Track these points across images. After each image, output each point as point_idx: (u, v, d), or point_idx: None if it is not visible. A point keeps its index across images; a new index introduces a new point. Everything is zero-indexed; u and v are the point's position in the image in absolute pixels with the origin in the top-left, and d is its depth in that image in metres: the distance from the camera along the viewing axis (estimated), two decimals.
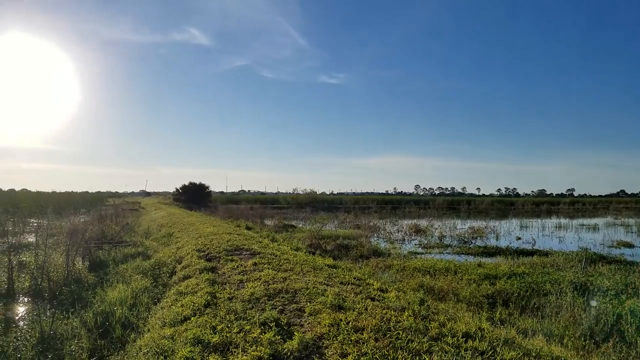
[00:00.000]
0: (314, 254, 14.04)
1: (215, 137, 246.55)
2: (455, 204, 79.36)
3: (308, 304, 5.71)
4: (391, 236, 24.19)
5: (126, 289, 7.79)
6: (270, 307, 5.66)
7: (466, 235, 24.98)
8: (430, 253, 18.13)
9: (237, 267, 8.54)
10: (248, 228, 21.22)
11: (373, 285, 7.46)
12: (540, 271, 12.98)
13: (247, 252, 10.33)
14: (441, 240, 22.54)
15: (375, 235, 24.62)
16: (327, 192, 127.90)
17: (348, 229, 27.68)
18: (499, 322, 7.78)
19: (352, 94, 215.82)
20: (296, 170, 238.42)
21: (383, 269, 13.39)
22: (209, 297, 6.31)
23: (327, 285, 6.96)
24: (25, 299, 7.71)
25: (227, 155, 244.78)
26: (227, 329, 4.92)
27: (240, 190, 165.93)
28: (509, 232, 29.64)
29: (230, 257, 9.63)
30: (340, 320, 4.90)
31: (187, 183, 64.94)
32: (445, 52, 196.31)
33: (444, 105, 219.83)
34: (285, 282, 6.93)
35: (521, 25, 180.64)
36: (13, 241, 15.58)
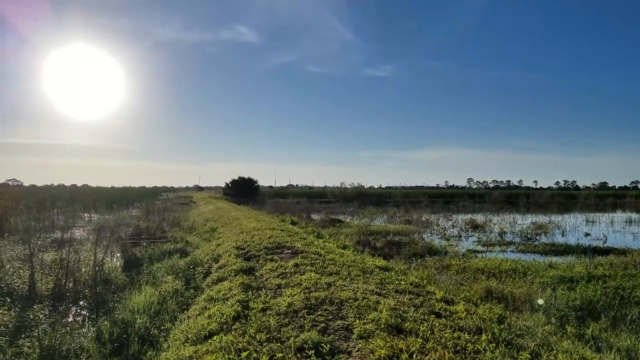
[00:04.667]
0: (362, 251, 12.88)
1: (265, 132, 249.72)
2: (512, 197, 75.05)
3: (357, 321, 4.58)
4: (446, 232, 22.48)
5: (153, 293, 6.99)
6: (310, 324, 4.58)
7: (529, 231, 22.87)
8: (491, 251, 16.45)
9: (277, 268, 7.55)
10: (293, 223, 20.34)
11: (435, 294, 6.22)
12: (623, 273, 11.17)
13: (289, 251, 9.32)
14: (502, 237, 20.62)
15: (428, 231, 23.03)
16: (376, 186, 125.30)
17: (398, 224, 26.18)
18: (591, 340, 6.35)
19: (401, 86, 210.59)
20: (344, 164, 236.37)
21: (440, 270, 12.02)
22: (239, 308, 5.33)
23: (380, 294, 5.79)
24: (47, 302, 7.07)
25: (276, 150, 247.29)
26: (254, 354, 3.89)
27: (288, 185, 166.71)
28: (575, 227, 27.05)
29: (270, 257, 8.67)
30: (401, 350, 3.73)
31: (236, 178, 65.45)
32: (498, 41, 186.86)
33: (497, 95, 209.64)
34: (330, 290, 5.83)
35: (575, 11, 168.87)
36: (60, 236, 15.50)
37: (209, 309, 5.78)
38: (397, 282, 6.81)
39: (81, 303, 7.03)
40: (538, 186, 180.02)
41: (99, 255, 8.81)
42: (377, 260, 9.39)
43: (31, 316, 6.14)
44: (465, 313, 5.34)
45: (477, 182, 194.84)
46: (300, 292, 5.78)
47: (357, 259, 8.93)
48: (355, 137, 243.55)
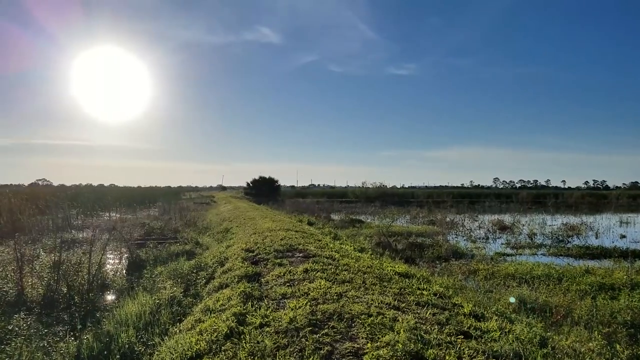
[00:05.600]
0: (382, 254, 12.06)
1: (287, 132, 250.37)
2: (540, 197, 72.53)
3: (369, 344, 3.79)
4: (472, 234, 21.36)
5: (147, 301, 6.34)
6: (312, 347, 3.82)
7: (560, 232, 21.55)
8: (521, 254, 15.37)
9: (284, 274, 6.81)
10: (310, 223, 19.60)
11: (463, 307, 5.38)
12: None
13: (300, 254, 8.57)
14: (532, 239, 19.42)
15: (453, 232, 21.94)
16: (398, 186, 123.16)
17: (421, 224, 25.17)
18: None
19: (424, 84, 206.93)
20: (366, 163, 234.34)
21: (467, 275, 11.08)
22: (234, 323, 4.60)
23: (398, 309, 4.98)
24: (36, 309, 6.49)
25: (298, 150, 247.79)
26: None
27: (310, 184, 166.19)
28: (608, 228, 25.51)
29: (279, 261, 7.94)
30: None
31: (257, 177, 65.26)
32: (522, 38, 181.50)
33: (522, 93, 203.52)
34: (340, 302, 5.06)
35: (601, 9, 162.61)
36: (61, 237, 15.17)
37: (202, 322, 5.09)
38: (418, 292, 5.98)
39: (71, 311, 6.43)
40: (566, 186, 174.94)
41: (96, 258, 8.25)
42: (396, 265, 8.56)
43: (9, 327, 5.55)
44: (499, 332, 4.49)
45: (503, 181, 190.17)
46: (306, 304, 5.02)
47: (374, 264, 8.12)
48: (377, 136, 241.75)
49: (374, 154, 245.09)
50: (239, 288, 6.10)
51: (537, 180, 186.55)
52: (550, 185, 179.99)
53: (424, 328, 4.25)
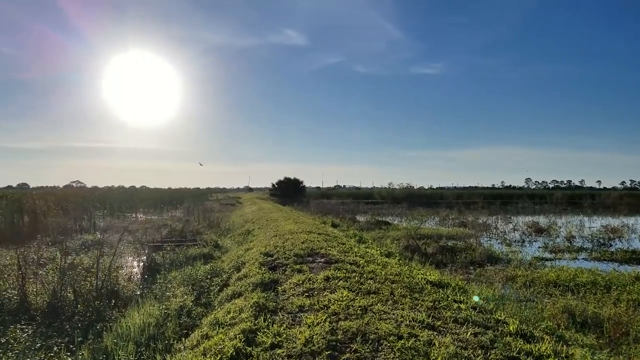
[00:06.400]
0: (411, 258, 11.29)
1: (312, 134, 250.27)
2: (575, 198, 69.59)
3: None
4: (506, 236, 20.24)
5: (154, 311, 5.80)
6: None
7: (601, 235, 20.18)
8: (560, 259, 14.28)
9: (303, 282, 6.17)
10: (334, 225, 18.93)
11: (508, 325, 4.61)
12: None
13: (322, 260, 7.92)
14: (570, 242, 18.18)
15: (486, 234, 20.85)
16: (426, 187, 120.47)
17: (451, 227, 24.12)
18: None
19: (452, 83, 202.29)
20: (393, 164, 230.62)
21: (504, 282, 10.20)
22: (242, 342, 4.00)
23: (433, 328, 4.25)
24: (38, 318, 6.04)
25: (324, 151, 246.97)
26: None
27: (335, 186, 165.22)
28: None
29: (298, 266, 7.31)
30: None
31: (282, 178, 65.16)
32: (552, 35, 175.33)
33: (554, 91, 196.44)
34: (364, 319, 4.38)
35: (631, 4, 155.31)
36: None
37: (209, 338, 4.51)
38: (455, 305, 5.23)
39: (73, 321, 5.95)
40: (601, 186, 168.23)
41: (108, 262, 7.81)
42: (428, 272, 7.80)
43: (4, 340, 5.09)
44: (555, 358, 3.73)
45: (535, 182, 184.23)
46: (325, 320, 4.37)
47: (403, 271, 7.38)
48: (404, 136, 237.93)
49: (401, 154, 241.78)
50: (252, 298, 5.49)
51: (570, 181, 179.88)
52: (584, 186, 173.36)
53: (465, 354, 3.53)
